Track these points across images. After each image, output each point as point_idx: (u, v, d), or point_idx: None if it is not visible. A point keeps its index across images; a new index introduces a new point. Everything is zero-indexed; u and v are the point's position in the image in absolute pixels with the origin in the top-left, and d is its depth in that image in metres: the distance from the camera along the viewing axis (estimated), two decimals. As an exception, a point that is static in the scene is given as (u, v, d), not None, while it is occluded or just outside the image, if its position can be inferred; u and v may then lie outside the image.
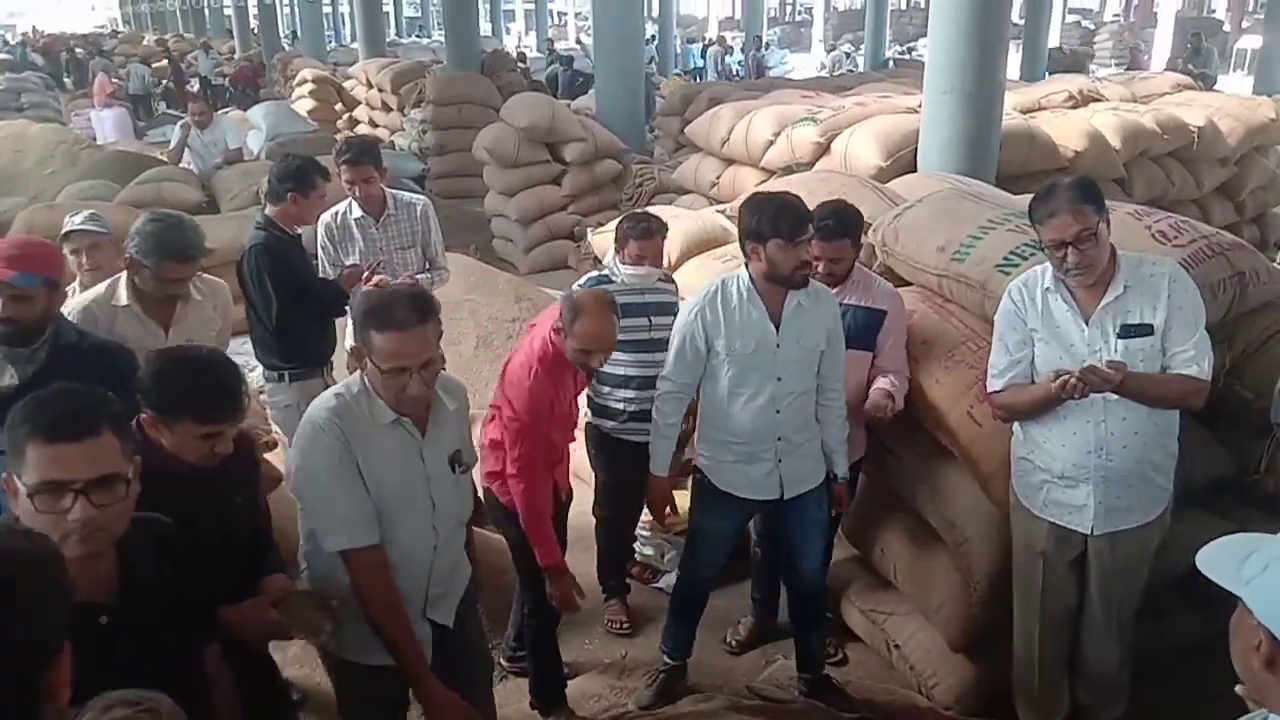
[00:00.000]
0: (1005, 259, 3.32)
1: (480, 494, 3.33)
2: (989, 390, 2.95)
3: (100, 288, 3.18)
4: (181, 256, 3.05)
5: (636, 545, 4.22)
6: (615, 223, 4.16)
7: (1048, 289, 2.82)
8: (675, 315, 3.66)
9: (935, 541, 3.35)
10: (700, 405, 3.24)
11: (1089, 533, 2.90)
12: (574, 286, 3.23)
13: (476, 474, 3.26)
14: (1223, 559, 1.33)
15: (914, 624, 3.49)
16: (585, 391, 3.59)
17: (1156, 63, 19.34)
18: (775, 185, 5.03)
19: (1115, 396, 2.75)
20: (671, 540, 4.16)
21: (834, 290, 3.26)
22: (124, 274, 3.13)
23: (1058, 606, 3.03)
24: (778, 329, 3.03)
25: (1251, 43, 17.76)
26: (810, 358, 3.09)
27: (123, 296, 3.10)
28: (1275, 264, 4.36)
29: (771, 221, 2.93)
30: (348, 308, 4.09)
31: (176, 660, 1.83)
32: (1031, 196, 2.84)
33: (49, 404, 1.67)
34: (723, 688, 3.44)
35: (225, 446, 2.16)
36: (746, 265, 3.07)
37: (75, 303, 3.12)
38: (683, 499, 3.62)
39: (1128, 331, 2.76)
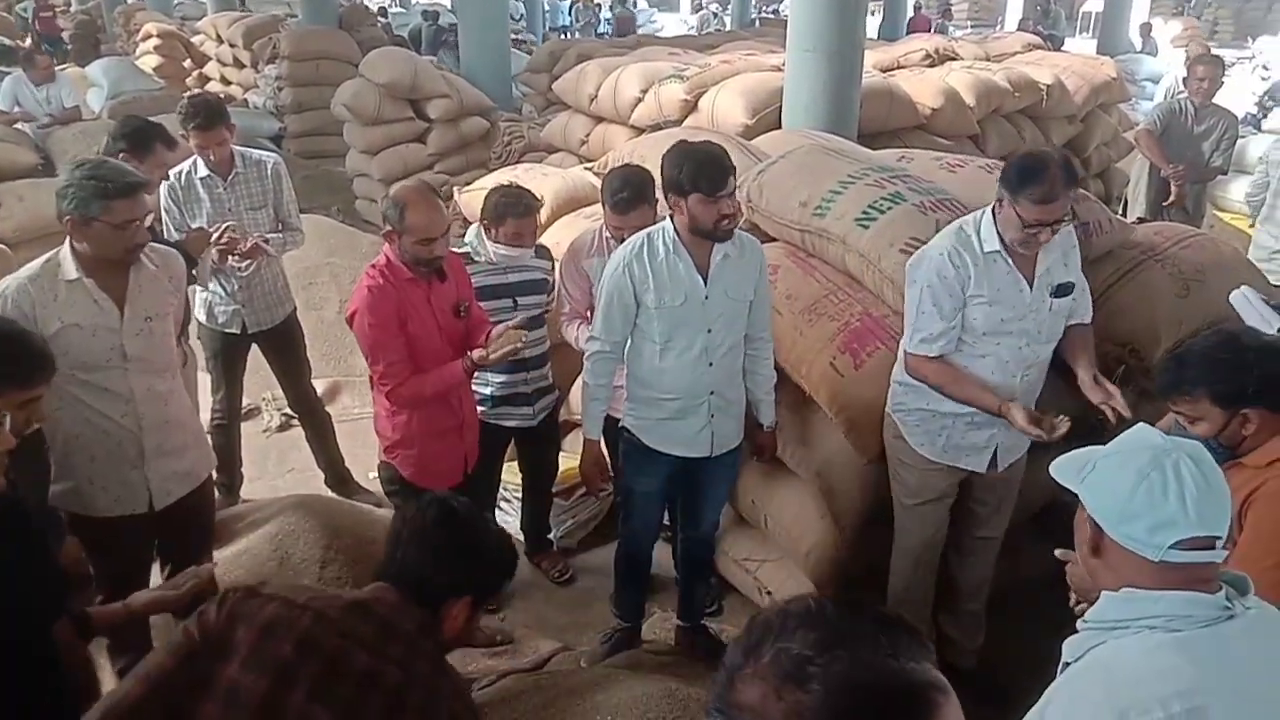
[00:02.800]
0: (864, 213, 3.39)
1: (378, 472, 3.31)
2: (915, 352, 2.94)
3: (34, 265, 2.75)
4: (127, 189, 2.66)
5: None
6: (485, 186, 4.06)
7: (992, 253, 2.84)
8: (545, 293, 3.62)
9: (803, 490, 3.42)
10: (628, 364, 3.17)
11: (984, 472, 3.02)
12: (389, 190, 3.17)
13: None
14: (1068, 466, 1.48)
15: (785, 571, 3.57)
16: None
17: (1010, 23, 20.06)
18: (645, 142, 5.00)
19: (1039, 350, 2.97)
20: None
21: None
22: (64, 246, 2.74)
23: (937, 548, 3.17)
24: (705, 281, 3.00)
25: (1095, 6, 18.62)
26: (739, 309, 3.06)
27: (70, 269, 2.70)
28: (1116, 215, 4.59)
29: (692, 177, 2.87)
30: (194, 273, 3.89)
31: (22, 639, 1.82)
32: (1011, 164, 2.81)
33: None
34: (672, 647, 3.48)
35: (39, 415, 2.20)
36: (671, 218, 3.00)
37: (10, 281, 2.71)
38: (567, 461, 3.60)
39: (1059, 291, 2.92)
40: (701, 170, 2.88)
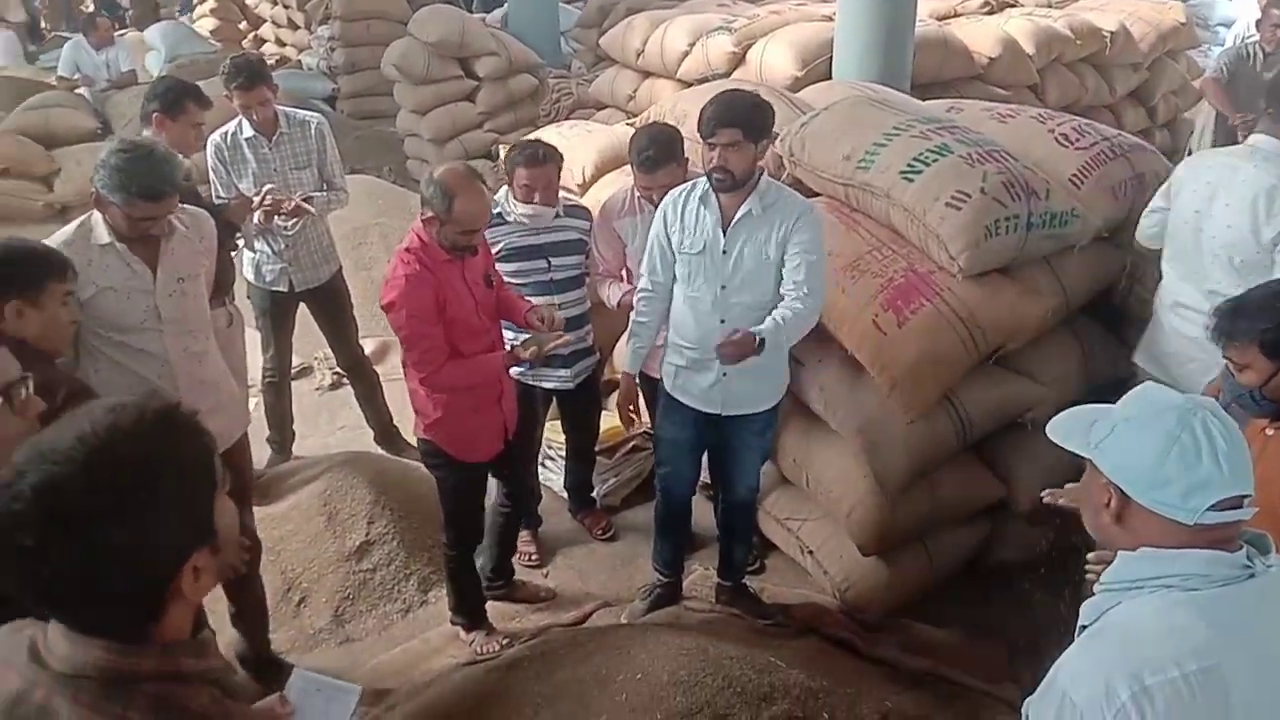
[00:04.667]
0: (909, 166, 3.30)
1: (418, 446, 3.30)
2: None
3: (70, 228, 2.81)
4: (151, 193, 2.66)
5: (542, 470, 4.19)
6: (529, 143, 4.01)
7: None
8: (580, 253, 3.59)
9: (845, 449, 3.39)
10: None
11: None
12: (428, 171, 3.08)
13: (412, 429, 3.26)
14: (1071, 428, 1.44)
15: (826, 530, 3.55)
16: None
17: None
18: (689, 95, 4.93)
19: None
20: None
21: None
22: (94, 212, 2.79)
23: None
24: (725, 233, 2.97)
25: (1168, -53, 17.91)
26: (761, 270, 2.98)
27: (102, 234, 2.74)
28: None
29: (698, 122, 2.90)
30: (239, 239, 3.95)
31: None
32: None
33: None
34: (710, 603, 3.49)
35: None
36: None
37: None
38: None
39: None
40: (702, 115, 2.89)
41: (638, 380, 3.37)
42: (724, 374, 3.08)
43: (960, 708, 2.96)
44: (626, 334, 3.33)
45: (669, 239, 3.08)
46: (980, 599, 3.51)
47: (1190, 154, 6.40)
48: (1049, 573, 3.38)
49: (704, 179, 3.02)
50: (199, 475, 1.15)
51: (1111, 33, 6.97)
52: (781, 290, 2.98)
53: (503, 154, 5.56)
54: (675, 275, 3.12)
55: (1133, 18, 7.35)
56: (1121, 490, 1.33)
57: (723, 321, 3.02)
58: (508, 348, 3.16)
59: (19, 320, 2.30)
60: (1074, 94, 6.88)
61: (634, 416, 3.42)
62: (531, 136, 4.67)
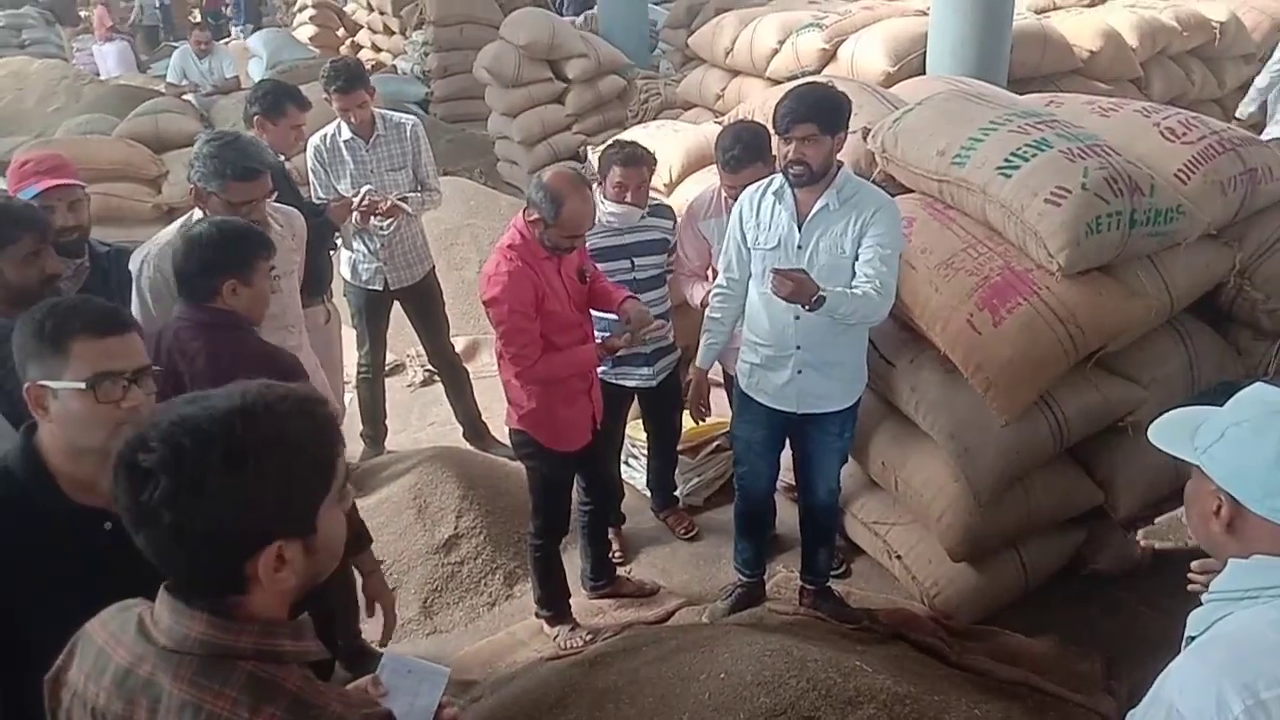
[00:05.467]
0: (1006, 161, 3.21)
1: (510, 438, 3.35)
2: None
3: (173, 228, 2.97)
4: (245, 174, 2.82)
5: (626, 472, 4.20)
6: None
7: None
8: (664, 253, 3.60)
9: (936, 452, 3.31)
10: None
11: None
12: (536, 175, 3.09)
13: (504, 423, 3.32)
14: (1175, 432, 1.39)
15: (915, 535, 3.48)
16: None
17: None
18: (777, 93, 4.89)
19: None
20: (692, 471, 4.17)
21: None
22: (194, 211, 2.95)
23: None
24: (800, 229, 2.96)
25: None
26: (838, 266, 2.94)
27: None
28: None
29: (774, 116, 2.89)
30: (338, 239, 4.06)
31: None
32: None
33: (81, 307, 1.80)
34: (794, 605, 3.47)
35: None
36: None
37: (144, 251, 2.92)
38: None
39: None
40: (777, 110, 2.87)
41: (721, 379, 3.36)
42: (799, 371, 3.06)
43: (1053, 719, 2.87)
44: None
45: (744, 235, 3.07)
46: (1075, 608, 3.40)
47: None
48: (1147, 581, 3.26)
49: (780, 174, 2.99)
50: (311, 470, 1.18)
51: (1221, 23, 6.71)
52: (854, 281, 2.94)
53: (591, 155, 5.62)
54: (751, 272, 3.10)
55: (1245, 6, 7.06)
56: (1233, 498, 1.28)
57: (797, 318, 2.99)
58: (597, 339, 3.18)
59: (233, 296, 2.46)
60: (1180, 88, 6.64)
61: (705, 413, 3.42)
62: (619, 137, 4.71)
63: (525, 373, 3.04)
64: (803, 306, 2.82)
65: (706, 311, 3.27)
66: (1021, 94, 4.46)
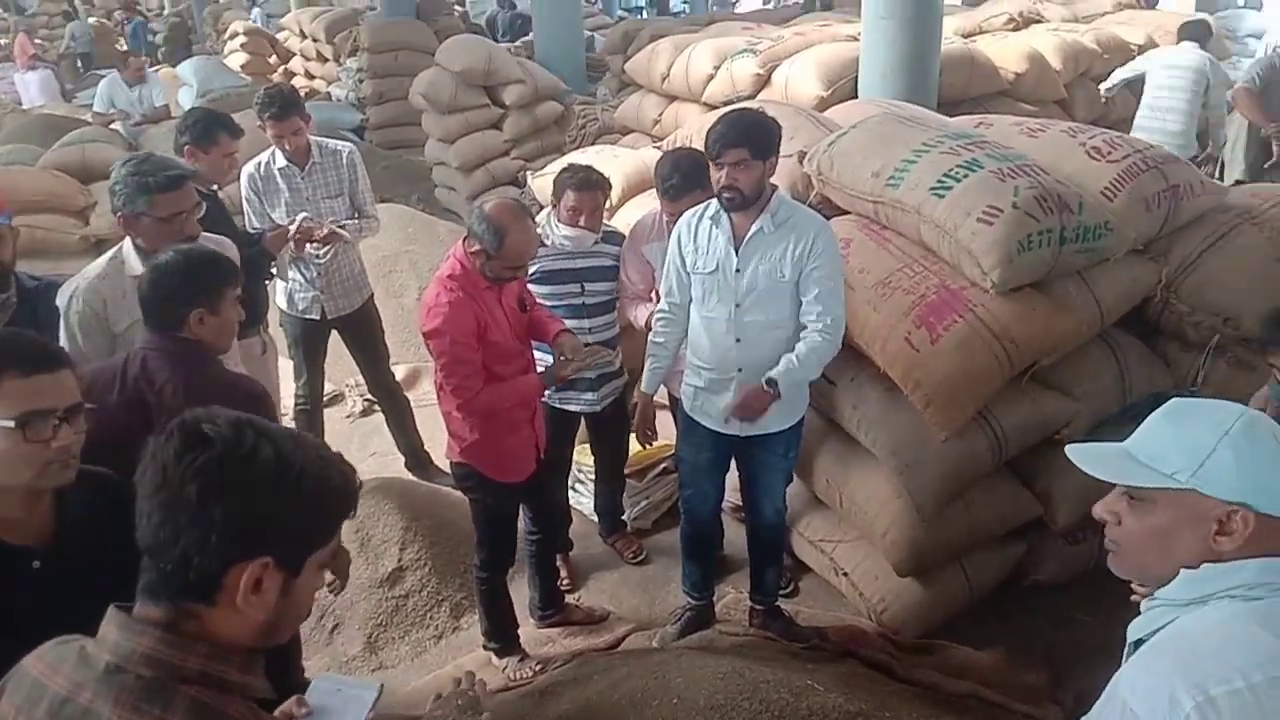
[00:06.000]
0: (939, 182, 3.28)
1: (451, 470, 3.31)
2: None
3: (102, 261, 2.88)
4: (170, 183, 2.76)
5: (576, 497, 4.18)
6: (556, 170, 4.04)
7: None
8: (613, 279, 3.61)
9: (879, 469, 3.35)
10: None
11: None
12: (477, 204, 3.09)
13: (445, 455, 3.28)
14: (1121, 465, 1.37)
15: (861, 551, 3.51)
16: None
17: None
18: (712, 119, 4.94)
19: None
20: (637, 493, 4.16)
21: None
22: (126, 242, 2.86)
23: None
24: (738, 252, 2.97)
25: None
26: (776, 289, 2.97)
27: (135, 265, 2.78)
28: (1211, 178, 4.37)
29: (706, 142, 2.92)
30: (274, 269, 3.98)
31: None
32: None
33: (9, 343, 1.77)
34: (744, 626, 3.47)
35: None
36: None
37: (72, 285, 2.81)
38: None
39: None
40: (708, 136, 2.90)
41: (667, 402, 3.36)
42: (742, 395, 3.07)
43: (1002, 731, 2.90)
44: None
45: (684, 260, 3.09)
46: (1019, 619, 3.45)
47: (1222, 165, 6.33)
48: (1089, 591, 3.32)
49: (715, 200, 3.02)
50: (327, 516, 1.22)
51: (1139, 45, 6.95)
52: (801, 317, 2.99)
53: (531, 181, 5.61)
54: (692, 296, 3.12)
55: (1160, 30, 7.33)
56: (1252, 509, 1.27)
57: (738, 341, 3.02)
58: (540, 369, 3.16)
59: (200, 325, 2.40)
60: (1101, 108, 6.85)
61: (651, 438, 3.43)
62: (560, 162, 4.71)
63: (467, 404, 2.99)
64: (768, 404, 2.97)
65: (650, 336, 3.28)
66: (951, 116, 4.57)
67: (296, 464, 1.16)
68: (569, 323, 3.42)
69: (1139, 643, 1.33)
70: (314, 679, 1.49)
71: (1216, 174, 6.28)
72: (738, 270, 2.98)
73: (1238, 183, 5.65)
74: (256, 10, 16.59)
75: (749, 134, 2.88)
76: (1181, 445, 1.32)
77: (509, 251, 2.89)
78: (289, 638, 1.26)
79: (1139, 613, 1.36)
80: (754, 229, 2.96)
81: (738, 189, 2.89)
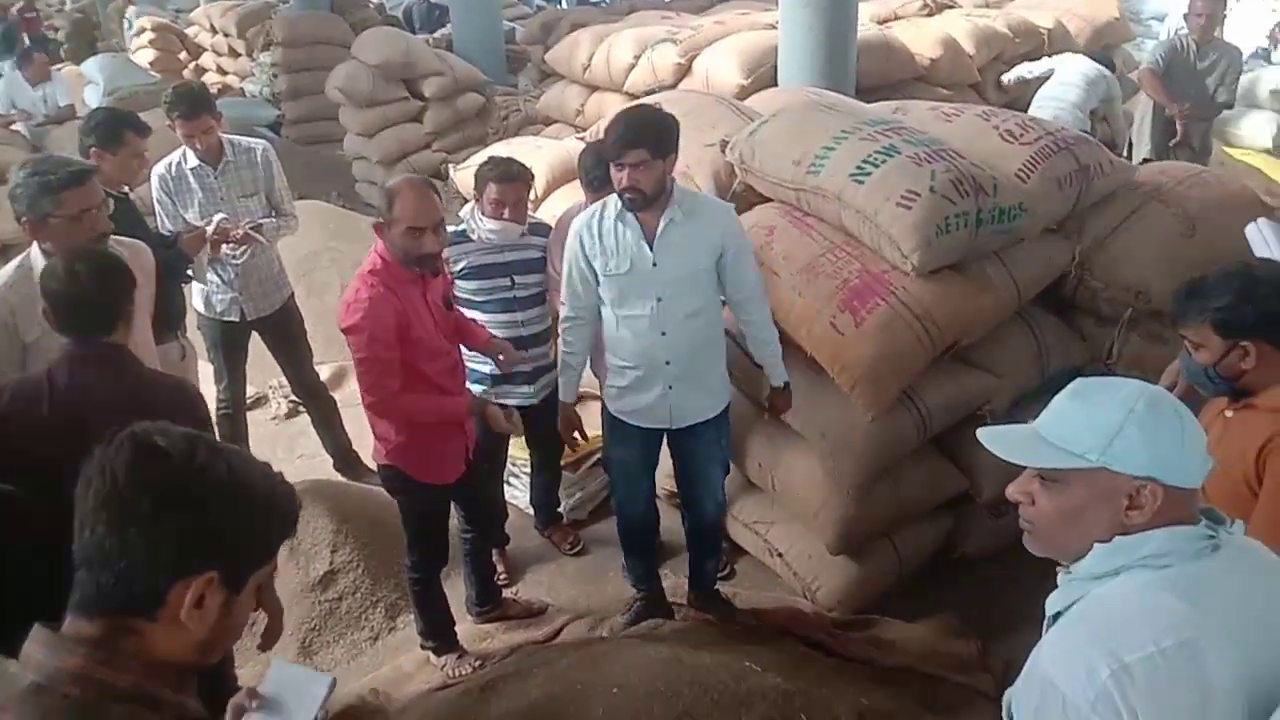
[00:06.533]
0: (858, 168, 3.33)
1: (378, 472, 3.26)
2: None
3: (9, 270, 2.76)
4: (73, 179, 2.65)
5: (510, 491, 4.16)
6: (478, 161, 4.00)
7: None
8: (543, 271, 3.57)
9: (809, 451, 3.40)
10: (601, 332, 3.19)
11: None
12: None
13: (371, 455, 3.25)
14: (1032, 447, 1.40)
15: (794, 532, 3.56)
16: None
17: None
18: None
19: None
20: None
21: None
22: (33, 248, 2.74)
23: None
24: (652, 248, 2.96)
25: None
26: (695, 277, 2.99)
27: None
28: (1121, 157, 4.51)
29: (603, 142, 2.95)
30: (190, 271, 3.88)
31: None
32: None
33: None
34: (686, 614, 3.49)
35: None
36: None
37: None
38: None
39: None
40: (607, 137, 2.92)
41: (598, 391, 3.35)
42: (669, 387, 3.08)
43: (936, 701, 2.97)
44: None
45: (588, 263, 3.04)
46: (949, 591, 3.54)
47: (1131, 145, 6.53)
48: (1014, 561, 3.41)
49: (613, 198, 3.00)
50: (271, 535, 1.22)
51: (1048, 29, 7.13)
52: (729, 303, 3.05)
53: (453, 173, 5.55)
54: (601, 299, 3.09)
55: (1068, 14, 7.52)
56: (1160, 483, 1.32)
57: (664, 334, 3.03)
58: (472, 387, 3.13)
59: (125, 328, 2.41)
60: (1015, 91, 7.01)
61: (577, 442, 3.48)
62: (482, 154, 4.67)
63: (381, 403, 2.92)
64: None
65: (560, 346, 3.25)
66: (869, 102, 4.64)
67: (247, 480, 1.16)
68: (500, 317, 3.40)
69: (1058, 615, 1.37)
70: (270, 668, 1.46)
71: (1125, 153, 6.48)
72: (655, 265, 2.97)
73: (1145, 161, 5.83)
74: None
75: (648, 134, 2.88)
76: (1090, 425, 1.35)
77: (400, 213, 2.82)
78: (220, 658, 1.23)
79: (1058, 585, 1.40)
80: (664, 222, 2.95)
81: (639, 190, 2.89)
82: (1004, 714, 1.39)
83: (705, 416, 3.17)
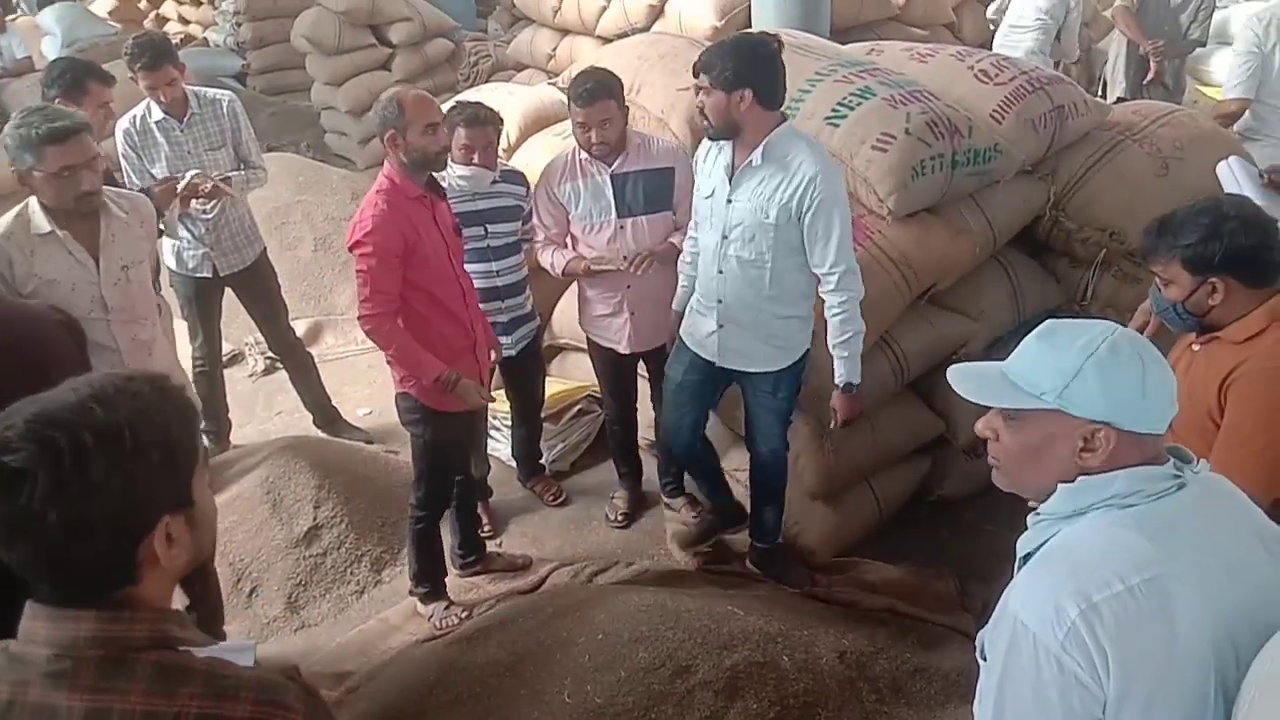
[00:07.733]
0: (833, 111, 3.31)
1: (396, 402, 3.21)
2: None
3: (7, 219, 2.70)
4: (54, 135, 2.56)
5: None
6: (446, 108, 3.92)
7: None
8: (519, 219, 3.52)
9: (788, 398, 3.41)
10: None
11: None
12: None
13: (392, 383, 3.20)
14: (995, 387, 1.42)
15: (775, 479, 3.58)
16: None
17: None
18: (608, 51, 4.87)
19: None
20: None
21: (614, 162, 3.25)
22: (32, 199, 2.70)
23: None
24: (732, 181, 2.90)
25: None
26: (759, 227, 2.85)
27: (42, 223, 2.67)
28: (1096, 97, 4.50)
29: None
30: (162, 225, 3.81)
31: None
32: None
33: None
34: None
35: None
36: None
37: None
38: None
39: None
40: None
41: (585, 344, 3.34)
42: (720, 325, 3.02)
43: (915, 640, 3.03)
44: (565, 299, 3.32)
45: (697, 185, 3.09)
46: (927, 533, 3.60)
47: (1104, 84, 6.51)
48: (990, 502, 3.47)
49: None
50: (183, 441, 1.16)
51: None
52: (816, 271, 2.88)
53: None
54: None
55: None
56: (1115, 427, 1.32)
57: (720, 272, 2.97)
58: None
59: None
60: (989, 31, 6.96)
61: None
62: (460, 99, 4.60)
63: (373, 322, 2.92)
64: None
65: (681, 257, 3.25)
66: (844, 44, 4.59)
67: (121, 429, 1.07)
68: (475, 266, 3.36)
69: (1028, 557, 1.39)
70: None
71: (1099, 92, 6.47)
72: (729, 200, 2.90)
73: (1119, 100, 5.82)
74: None
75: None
76: (1050, 366, 1.36)
77: (413, 114, 2.87)
78: (213, 549, 1.20)
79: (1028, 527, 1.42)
80: (746, 159, 2.86)
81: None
82: (978, 654, 1.42)
83: (757, 368, 3.07)
